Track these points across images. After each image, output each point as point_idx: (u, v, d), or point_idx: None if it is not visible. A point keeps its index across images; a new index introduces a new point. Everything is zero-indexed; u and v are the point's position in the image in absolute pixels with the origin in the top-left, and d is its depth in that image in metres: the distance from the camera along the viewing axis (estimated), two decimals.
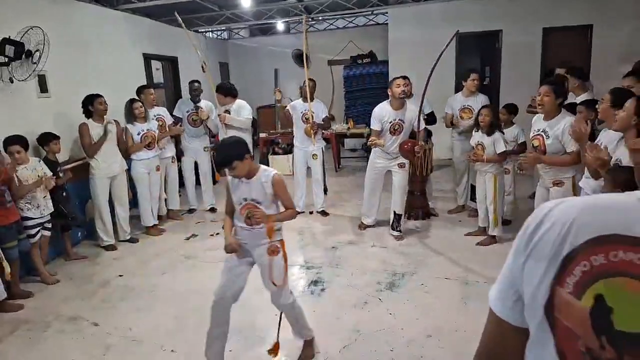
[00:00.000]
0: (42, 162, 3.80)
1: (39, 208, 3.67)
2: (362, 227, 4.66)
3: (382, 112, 4.10)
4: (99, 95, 4.28)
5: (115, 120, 4.47)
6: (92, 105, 4.24)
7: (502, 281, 0.75)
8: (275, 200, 2.37)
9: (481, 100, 4.57)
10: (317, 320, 2.99)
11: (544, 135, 3.16)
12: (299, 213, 5.17)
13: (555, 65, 5.79)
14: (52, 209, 3.81)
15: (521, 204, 4.78)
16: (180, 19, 4.90)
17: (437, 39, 7.26)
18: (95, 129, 4.25)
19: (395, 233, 4.36)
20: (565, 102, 4.33)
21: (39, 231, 3.71)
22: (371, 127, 4.22)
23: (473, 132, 4.12)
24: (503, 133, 4.00)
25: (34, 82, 4.14)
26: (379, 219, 4.71)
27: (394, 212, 4.34)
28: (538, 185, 3.42)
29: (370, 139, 4.19)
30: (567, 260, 0.63)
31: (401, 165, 4.22)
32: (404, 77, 4.77)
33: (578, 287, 0.61)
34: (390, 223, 4.40)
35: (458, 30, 4.37)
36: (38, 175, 3.66)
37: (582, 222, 0.63)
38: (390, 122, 4.07)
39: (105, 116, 4.34)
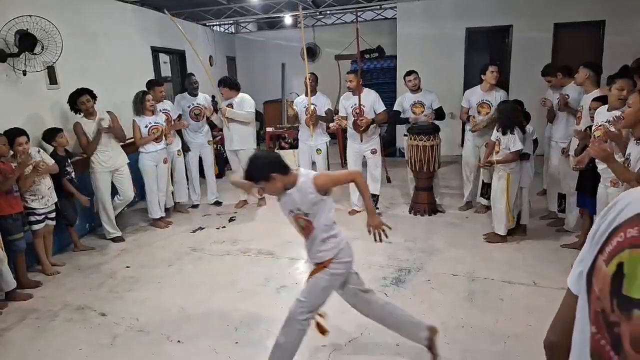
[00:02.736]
0: (41, 151, 3.75)
1: (44, 199, 3.69)
2: (352, 212, 4.95)
3: (345, 100, 4.77)
4: (81, 93, 4.14)
5: (109, 112, 4.41)
6: (75, 104, 4.16)
7: (577, 259, 0.82)
8: (324, 200, 2.17)
9: (500, 95, 4.52)
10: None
11: (608, 125, 3.08)
12: None
13: (565, 61, 5.74)
14: (56, 199, 3.82)
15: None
16: (169, 14, 4.94)
17: (446, 34, 7.25)
18: (89, 126, 4.21)
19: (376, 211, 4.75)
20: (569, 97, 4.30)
21: (43, 221, 3.73)
22: (339, 112, 4.91)
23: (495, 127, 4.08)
24: (524, 132, 3.87)
25: (44, 73, 4.15)
26: (380, 212, 4.83)
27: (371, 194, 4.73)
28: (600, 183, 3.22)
29: (336, 120, 4.85)
30: (611, 233, 0.70)
31: (373, 152, 4.76)
32: (411, 73, 4.81)
33: (610, 256, 0.68)
34: None
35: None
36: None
37: (634, 201, 0.70)
38: (352, 107, 4.63)
39: (93, 111, 4.25)
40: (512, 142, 3.78)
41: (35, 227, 3.67)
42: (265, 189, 2.17)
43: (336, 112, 6.93)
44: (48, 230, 3.84)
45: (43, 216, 3.72)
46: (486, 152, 4.11)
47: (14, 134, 3.45)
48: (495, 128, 4.05)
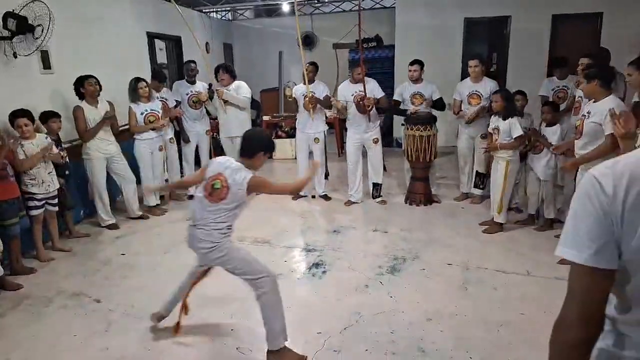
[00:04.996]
0: (48, 137, 3.76)
1: (44, 184, 3.66)
2: (348, 203, 4.94)
3: (344, 89, 4.78)
4: (89, 76, 4.19)
5: (109, 102, 4.41)
6: (82, 86, 4.15)
7: (590, 239, 0.86)
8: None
9: (489, 86, 4.54)
10: (318, 302, 3.02)
11: (586, 116, 3.10)
12: (301, 197, 5.20)
13: (563, 53, 5.74)
14: (57, 186, 3.79)
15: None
16: (175, 4, 4.83)
17: (445, 23, 7.20)
18: (90, 112, 4.19)
19: (378, 199, 4.95)
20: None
21: (43, 206, 3.70)
22: (338, 98, 4.83)
23: (491, 117, 4.06)
24: (522, 116, 3.91)
25: (37, 57, 4.10)
26: (377, 201, 4.92)
27: (373, 183, 4.93)
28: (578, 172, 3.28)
29: (334, 102, 4.81)
30: None
31: (375, 141, 4.78)
32: (414, 63, 4.78)
33: None
34: (371, 194, 4.98)
35: None
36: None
37: None
38: (352, 95, 4.66)
39: (98, 97, 4.26)
40: (514, 128, 3.78)
41: (34, 212, 3.65)
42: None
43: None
44: (51, 215, 3.83)
45: (42, 202, 3.69)
46: (487, 141, 4.09)
47: (14, 115, 3.50)
48: (491, 116, 4.04)
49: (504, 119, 3.83)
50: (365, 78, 4.67)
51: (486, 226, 4.15)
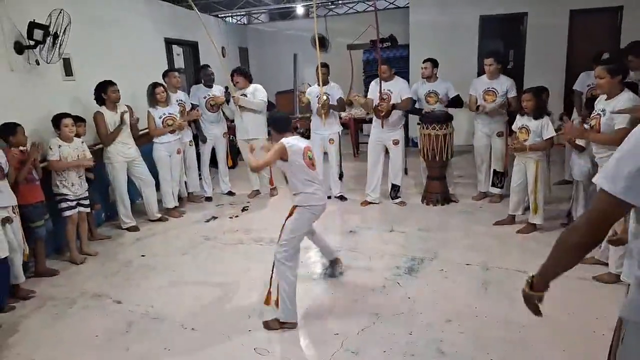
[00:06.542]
0: (84, 143, 3.92)
1: (73, 186, 3.77)
2: (365, 204, 4.90)
3: (375, 84, 4.73)
4: (112, 83, 4.27)
5: (127, 106, 4.50)
6: (105, 93, 4.24)
7: (629, 177, 1.04)
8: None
9: (506, 83, 4.48)
10: (335, 303, 3.01)
11: (602, 114, 3.02)
12: None
13: (582, 49, 5.62)
14: (86, 188, 3.91)
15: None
16: (193, 4, 4.91)
17: (460, 21, 7.13)
18: (110, 117, 4.28)
19: (397, 200, 4.89)
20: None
21: (76, 206, 3.81)
22: (368, 96, 4.85)
23: (518, 115, 3.95)
24: (549, 114, 3.80)
25: (60, 65, 4.19)
26: (395, 202, 4.87)
27: (392, 184, 4.88)
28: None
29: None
30: None
31: (395, 142, 4.72)
32: (426, 60, 4.74)
33: None
34: (389, 195, 4.92)
35: None
36: (78, 156, 3.79)
37: None
38: (379, 92, 4.63)
39: (118, 103, 4.35)
40: (546, 128, 3.68)
41: (68, 212, 3.75)
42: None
43: (349, 102, 6.89)
44: (82, 217, 3.92)
45: (75, 202, 3.80)
46: (513, 139, 3.97)
47: (59, 117, 3.73)
48: (518, 114, 3.94)
49: (535, 119, 3.73)
50: (396, 77, 4.70)
51: (502, 225, 4.09)
